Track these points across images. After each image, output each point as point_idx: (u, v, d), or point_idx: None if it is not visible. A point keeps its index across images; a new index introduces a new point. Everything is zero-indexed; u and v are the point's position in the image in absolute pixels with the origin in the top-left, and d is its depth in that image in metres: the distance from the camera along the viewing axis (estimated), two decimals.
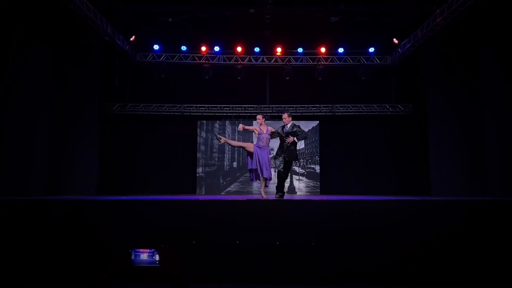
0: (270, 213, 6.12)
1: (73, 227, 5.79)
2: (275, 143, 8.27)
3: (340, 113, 13.01)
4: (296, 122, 7.96)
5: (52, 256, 5.58)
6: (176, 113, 12.97)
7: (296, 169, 13.06)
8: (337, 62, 12.64)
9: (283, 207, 6.42)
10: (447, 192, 10.57)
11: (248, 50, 12.48)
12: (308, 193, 13.02)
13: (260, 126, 7.76)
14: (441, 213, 6.09)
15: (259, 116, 7.84)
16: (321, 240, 5.78)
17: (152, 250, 4.90)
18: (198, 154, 13.19)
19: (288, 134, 7.60)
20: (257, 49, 12.47)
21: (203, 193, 13.06)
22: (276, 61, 12.64)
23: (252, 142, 9.05)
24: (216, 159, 13.33)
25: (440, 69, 11.39)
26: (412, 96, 12.64)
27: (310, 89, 13.00)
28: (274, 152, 7.98)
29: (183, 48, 12.45)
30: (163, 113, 12.91)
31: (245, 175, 12.69)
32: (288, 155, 7.59)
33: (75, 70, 11.39)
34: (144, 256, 4.90)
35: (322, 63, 12.57)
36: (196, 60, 12.59)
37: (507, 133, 9.84)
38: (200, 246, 5.71)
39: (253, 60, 12.62)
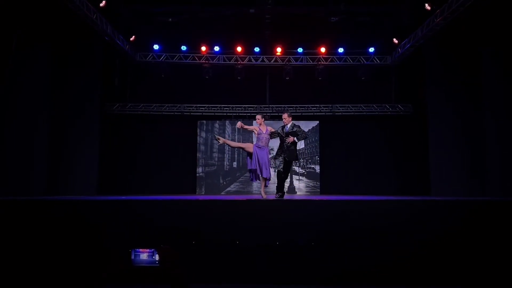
0: (270, 213, 6.12)
1: (73, 227, 5.79)
2: (275, 143, 8.27)
3: (340, 113, 13.01)
4: (296, 122, 7.96)
5: (52, 256, 5.58)
6: (176, 113, 12.98)
7: (296, 169, 13.06)
8: (337, 62, 12.64)
9: (283, 207, 6.42)
10: (447, 192, 10.57)
11: (248, 50, 12.49)
12: (308, 193, 13.02)
13: (260, 126, 7.76)
14: (441, 213, 6.09)
15: (258, 116, 7.84)
16: (321, 240, 5.78)
17: (152, 250, 4.90)
18: (198, 154, 13.19)
19: (288, 134, 7.60)
20: (257, 49, 12.48)
21: (203, 193, 13.06)
22: (276, 61, 12.64)
23: (251, 142, 9.05)
24: (216, 159, 13.33)
25: (440, 69, 11.39)
26: (412, 96, 12.64)
27: (310, 89, 13.00)
28: (274, 152, 7.98)
29: (183, 48, 12.45)
30: (163, 113, 12.92)
31: (245, 175, 12.69)
32: (288, 155, 7.59)
33: (75, 70, 11.39)
34: (144, 256, 4.90)
35: (322, 63, 12.58)
36: (196, 60, 12.59)
37: (507, 133, 9.83)
38: (200, 246, 5.71)
39: (253, 60, 12.62)
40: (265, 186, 7.79)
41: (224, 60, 12.63)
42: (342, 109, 12.97)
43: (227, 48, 12.55)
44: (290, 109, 12.49)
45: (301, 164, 13.19)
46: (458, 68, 11.12)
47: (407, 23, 11.02)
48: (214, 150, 13.29)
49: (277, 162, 7.68)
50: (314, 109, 13.01)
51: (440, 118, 11.28)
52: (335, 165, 13.01)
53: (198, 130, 13.27)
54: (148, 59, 12.60)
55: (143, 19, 11.50)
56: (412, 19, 10.76)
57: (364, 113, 12.94)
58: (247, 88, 12.93)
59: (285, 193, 7.91)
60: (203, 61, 12.56)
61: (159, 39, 12.34)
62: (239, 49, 12.33)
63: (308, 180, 13.17)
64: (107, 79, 12.36)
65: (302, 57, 12.62)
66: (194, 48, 12.53)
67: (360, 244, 5.75)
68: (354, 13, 11.09)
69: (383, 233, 5.83)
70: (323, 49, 12.42)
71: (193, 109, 13.01)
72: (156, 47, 12.40)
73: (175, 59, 12.57)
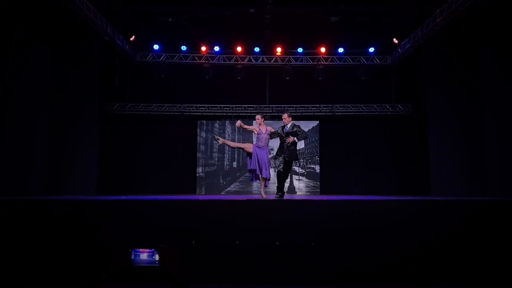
0: (270, 213, 6.12)
1: (73, 227, 5.79)
2: (275, 143, 8.27)
3: (340, 113, 13.01)
4: (296, 122, 7.96)
5: (52, 256, 5.58)
6: (176, 113, 12.97)
7: (296, 169, 13.06)
8: (337, 62, 12.64)
9: (283, 207, 6.42)
10: (447, 192, 10.57)
11: (248, 50, 12.48)
12: (308, 193, 13.02)
13: (259, 126, 7.76)
14: (441, 213, 6.09)
15: (258, 116, 7.84)
16: (321, 240, 5.78)
17: (152, 250, 4.90)
18: (198, 154, 13.19)
19: (288, 134, 7.60)
20: (257, 49, 12.47)
21: (203, 193, 13.06)
22: (276, 61, 12.64)
23: (251, 142, 9.05)
24: (216, 159, 13.33)
25: (440, 69, 11.39)
26: (412, 96, 12.64)
27: (310, 89, 13.00)
28: (274, 152, 7.98)
29: (183, 48, 12.45)
30: (163, 113, 12.91)
31: (245, 175, 12.69)
32: (288, 155, 7.59)
33: (75, 70, 11.39)
34: (144, 256, 4.90)
35: (322, 63, 12.58)
36: (196, 60, 12.59)
37: (507, 133, 9.84)
38: (200, 246, 5.71)
39: (253, 60, 12.62)
40: (265, 186, 7.79)
41: (224, 60, 12.63)
42: (342, 109, 12.97)
43: (227, 48, 12.55)
44: (290, 109, 12.49)
45: (301, 164, 13.19)
46: (458, 68, 11.12)
47: (407, 23, 11.03)
48: (214, 150, 13.29)
49: (277, 162, 7.68)
50: (314, 109, 13.01)
51: (440, 118, 11.28)
52: (335, 165, 13.01)
53: (198, 130, 13.27)
54: (148, 59, 12.60)
55: (143, 19, 11.50)
56: (412, 19, 10.76)
57: (364, 113, 12.94)
58: (247, 88, 12.93)
59: (285, 193, 7.91)
60: (203, 61, 12.56)
61: (159, 39, 12.34)
62: (239, 49, 12.32)
63: (308, 180, 13.17)
64: (107, 79, 12.35)
65: (302, 57, 12.62)
66: (194, 48, 12.53)
67: (360, 244, 5.75)
68: (354, 13, 11.08)
69: (383, 233, 5.83)
70: (323, 49, 12.42)
71: (193, 109, 13.01)
72: (156, 47, 12.40)
73: (175, 59, 12.57)
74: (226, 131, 13.38)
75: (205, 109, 13.04)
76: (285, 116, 7.75)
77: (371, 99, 12.90)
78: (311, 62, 12.66)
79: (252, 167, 7.62)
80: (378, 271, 5.61)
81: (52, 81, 10.64)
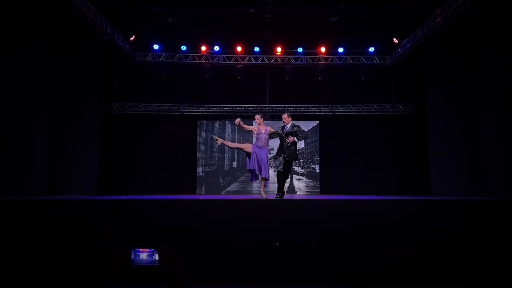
0: (270, 213, 6.12)
1: (73, 227, 5.79)
2: (275, 143, 8.27)
3: (340, 113, 13.01)
4: (296, 122, 7.97)
5: (52, 256, 5.58)
6: (176, 113, 12.97)
7: (296, 169, 13.05)
8: (337, 62, 12.64)
9: (283, 207, 6.42)
10: (447, 192, 10.57)
11: (248, 50, 12.48)
12: (308, 193, 13.02)
13: (259, 126, 7.77)
14: (441, 213, 6.09)
15: (257, 116, 7.85)
16: (321, 240, 5.78)
17: (152, 249, 4.89)
18: (198, 154, 13.19)
19: (288, 134, 7.60)
20: (257, 49, 12.47)
21: (203, 193, 13.06)
22: (276, 61, 12.64)
23: (251, 142, 9.05)
24: (216, 158, 13.33)
25: (440, 69, 11.39)
26: (412, 96, 12.64)
27: (310, 89, 13.00)
28: (274, 152, 7.98)
29: (183, 48, 12.45)
30: (163, 112, 12.91)
31: (245, 174, 12.69)
32: (288, 155, 7.59)
33: (75, 70, 11.39)
34: (143, 255, 4.90)
35: (322, 63, 12.57)
36: (196, 60, 12.59)
37: (507, 133, 9.84)
38: (200, 246, 5.71)
39: (253, 60, 12.61)
40: (265, 186, 7.80)
41: (224, 60, 12.63)
42: (342, 109, 12.97)
43: (227, 48, 12.55)
44: (290, 109, 12.50)
45: (301, 164, 13.19)
46: (458, 68, 11.13)
47: (407, 23, 11.03)
48: (214, 150, 13.29)
49: (277, 162, 7.68)
50: (314, 109, 13.01)
51: (440, 118, 11.28)
52: (335, 165, 13.01)
53: (198, 130, 13.27)
54: (148, 59, 12.59)
55: (143, 19, 11.50)
56: (412, 19, 10.76)
57: (364, 113, 12.94)
58: (247, 88, 12.92)
59: (285, 193, 7.92)
60: (203, 61, 12.56)
61: (159, 39, 12.34)
62: (239, 49, 12.32)
63: (308, 180, 13.17)
64: (107, 79, 12.35)
65: (302, 57, 12.61)
66: (194, 48, 12.53)
67: (360, 244, 5.75)
68: (354, 13, 11.08)
69: (383, 233, 5.83)
70: (323, 49, 12.41)
71: (193, 109, 13.01)
72: (156, 47, 12.40)
73: (175, 59, 12.57)
74: (226, 131, 13.38)
75: (205, 109, 13.04)
76: (285, 116, 7.75)
77: (371, 99, 12.90)
78: (311, 62, 12.66)
79: (251, 167, 7.63)
80: (378, 271, 5.61)
81: (52, 81, 10.64)
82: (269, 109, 12.89)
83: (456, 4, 8.72)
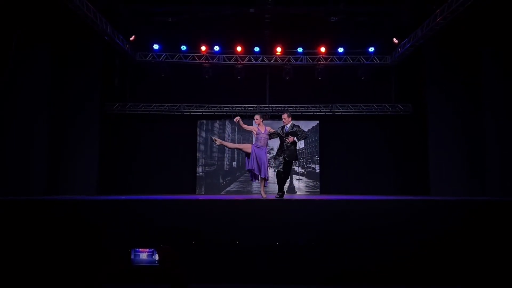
0: (270, 213, 6.12)
1: (73, 227, 5.79)
2: (275, 143, 8.26)
3: (340, 113, 13.01)
4: (296, 122, 7.97)
5: (52, 256, 5.58)
6: (176, 113, 12.97)
7: (296, 168, 13.05)
8: (337, 61, 12.63)
9: (283, 207, 6.43)
10: (447, 192, 10.57)
11: (248, 50, 12.48)
12: (308, 193, 13.02)
13: (258, 126, 7.76)
14: (441, 213, 6.09)
15: (256, 116, 7.85)
16: (321, 240, 5.78)
17: (152, 249, 4.89)
18: (198, 154, 13.19)
19: (288, 134, 7.60)
20: (257, 49, 12.46)
21: (203, 192, 13.06)
22: (276, 60, 12.63)
23: (251, 141, 9.05)
24: (216, 158, 13.33)
25: (440, 69, 11.39)
26: (412, 96, 12.64)
27: (310, 89, 13.00)
28: (274, 152, 7.98)
29: (183, 47, 12.44)
30: (163, 112, 12.91)
31: (245, 174, 12.68)
32: (288, 155, 7.59)
33: (75, 70, 11.39)
34: (143, 255, 4.90)
35: (322, 62, 12.57)
36: (196, 60, 12.58)
37: (507, 133, 9.84)
38: (200, 246, 5.71)
39: (253, 59, 12.61)
40: (265, 186, 7.80)
41: (224, 60, 12.62)
42: (342, 109, 12.97)
43: (227, 48, 12.54)
44: (290, 109, 12.50)
45: (301, 164, 13.19)
46: (458, 68, 11.13)
47: (407, 23, 11.03)
48: (214, 149, 13.29)
49: (277, 162, 7.69)
50: (314, 109, 13.01)
51: (440, 118, 11.28)
52: (335, 165, 13.01)
53: (198, 130, 13.27)
54: (148, 59, 12.59)
55: (143, 19, 11.50)
56: (412, 19, 10.76)
57: (364, 113, 12.94)
58: (247, 88, 12.92)
59: (285, 193, 7.91)
60: (203, 61, 12.56)
61: (159, 39, 12.33)
62: (239, 48, 12.32)
63: (308, 180, 13.17)
64: (107, 79, 12.35)
65: (302, 57, 12.61)
66: (194, 47, 12.52)
67: (360, 244, 5.75)
68: (354, 13, 11.09)
69: (383, 233, 5.84)
70: (323, 49, 12.41)
71: (193, 109, 13.01)
72: (156, 47, 12.39)
73: (175, 59, 12.56)
74: (226, 131, 13.38)
75: (205, 109, 13.04)
76: (284, 116, 7.75)
77: (371, 99, 12.90)
78: (311, 62, 12.65)
79: (250, 167, 7.63)
80: (378, 271, 5.61)
81: (52, 81, 10.64)
82: (269, 109, 12.89)
83: (456, 4, 8.71)
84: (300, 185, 13.13)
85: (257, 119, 7.81)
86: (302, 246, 5.75)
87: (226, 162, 13.37)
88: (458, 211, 6.10)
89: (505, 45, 9.77)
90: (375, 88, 13.04)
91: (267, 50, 12.58)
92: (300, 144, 12.56)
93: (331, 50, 12.54)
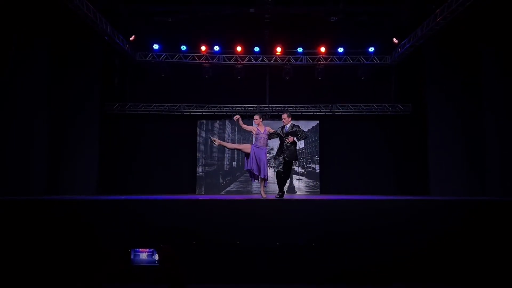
0: (270, 213, 6.11)
1: (73, 227, 5.79)
2: (275, 143, 8.26)
3: (340, 113, 13.02)
4: (296, 122, 7.96)
5: (52, 256, 5.58)
6: (176, 113, 12.97)
7: (296, 168, 13.05)
8: (337, 61, 12.63)
9: (283, 207, 6.42)
10: (447, 191, 10.58)
11: (248, 50, 12.48)
12: (308, 193, 13.02)
13: (258, 127, 7.75)
14: (441, 213, 6.09)
15: (256, 117, 7.84)
16: (321, 240, 5.78)
17: (151, 249, 4.89)
18: (198, 154, 13.19)
19: (287, 134, 7.60)
20: (257, 49, 12.47)
21: (203, 192, 13.05)
22: (276, 60, 12.63)
23: (251, 141, 9.05)
24: (216, 158, 13.33)
25: (440, 68, 11.39)
26: (412, 95, 12.64)
27: (310, 89, 13.01)
28: (274, 152, 7.97)
29: (183, 47, 12.44)
30: (163, 112, 12.92)
31: (245, 174, 12.68)
32: (288, 155, 7.59)
33: (75, 69, 11.39)
34: (143, 255, 4.90)
35: (322, 62, 12.57)
36: (196, 60, 12.58)
37: (507, 133, 9.83)
38: (200, 245, 5.71)
39: (253, 59, 12.61)
40: (264, 186, 7.79)
41: (224, 60, 12.62)
42: (342, 109, 12.97)
43: (227, 48, 12.54)
44: (290, 109, 12.51)
45: (301, 163, 13.19)
46: (458, 68, 11.13)
47: (407, 23, 11.03)
48: (214, 149, 13.29)
49: (276, 162, 7.68)
50: (314, 109, 13.01)
51: (440, 118, 11.28)
52: (335, 165, 13.01)
53: (198, 130, 13.27)
54: (148, 58, 12.59)
55: (143, 18, 11.50)
56: (412, 19, 10.76)
57: (364, 113, 12.94)
58: (247, 88, 12.92)
59: (285, 193, 7.91)
60: (203, 61, 12.56)
61: (159, 39, 12.34)
62: (239, 48, 12.32)
63: (308, 180, 13.17)
64: (107, 79, 12.35)
65: (302, 57, 12.61)
66: (194, 47, 12.52)
67: (360, 244, 5.75)
68: (354, 13, 11.09)
69: (383, 233, 5.83)
70: (323, 49, 12.41)
71: (193, 109, 13.01)
72: (156, 46, 12.39)
73: (175, 59, 12.56)
74: (226, 131, 13.38)
75: (205, 109, 13.04)
76: (284, 116, 7.75)
77: (371, 98, 12.90)
78: (311, 62, 12.65)
79: (249, 167, 7.62)
80: (378, 271, 5.61)
81: (52, 81, 10.64)
82: (269, 109, 12.89)
83: (456, 4, 8.71)
84: (300, 185, 13.13)
85: (256, 119, 7.80)
86: (302, 246, 5.75)
87: (226, 162, 13.37)
88: (458, 211, 6.09)
89: (505, 45, 9.76)
90: (375, 88, 13.05)
91: (267, 50, 12.58)
92: (300, 144, 12.56)
93: (331, 50, 12.54)
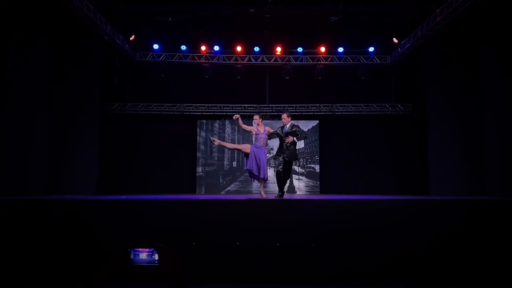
0: (270, 212, 6.12)
1: (73, 227, 5.79)
2: (275, 143, 8.26)
3: (340, 113, 13.01)
4: (296, 122, 7.96)
5: (52, 256, 5.58)
6: (175, 113, 12.97)
7: (296, 168, 13.05)
8: (336, 61, 12.62)
9: (283, 207, 6.43)
10: (447, 191, 10.57)
11: (248, 50, 12.47)
12: (307, 193, 13.02)
13: (257, 127, 7.75)
14: (441, 213, 6.09)
15: (256, 117, 7.84)
16: (321, 240, 5.78)
17: (151, 249, 4.89)
18: (197, 154, 13.18)
19: (287, 134, 7.59)
20: (256, 49, 12.46)
21: (203, 192, 13.05)
22: (276, 60, 12.63)
23: (251, 141, 9.05)
24: (216, 158, 13.33)
25: (440, 68, 11.39)
26: (412, 95, 12.64)
27: (310, 89, 13.00)
28: (274, 152, 7.97)
29: (183, 47, 12.43)
30: (163, 112, 12.91)
31: (245, 174, 12.67)
32: (287, 155, 7.59)
33: (75, 69, 11.38)
34: (143, 255, 4.90)
35: (321, 62, 12.57)
36: (196, 60, 12.58)
37: (507, 133, 9.83)
38: (200, 245, 5.71)
39: (252, 59, 12.60)
40: (264, 186, 7.79)
41: (224, 60, 12.61)
42: (342, 109, 12.97)
43: (227, 48, 12.54)
44: (290, 109, 12.50)
45: (301, 163, 13.19)
46: (458, 68, 11.12)
47: (407, 23, 11.03)
48: (214, 149, 13.28)
49: (276, 162, 7.68)
50: (314, 109, 13.01)
51: (440, 118, 11.28)
52: (335, 165, 13.00)
53: (198, 130, 13.26)
54: (148, 58, 12.58)
55: (143, 18, 11.50)
56: (412, 18, 10.76)
57: (364, 113, 12.94)
58: (247, 88, 12.92)
59: (285, 193, 7.91)
60: (203, 61, 12.55)
61: (159, 39, 12.33)
62: (238, 48, 12.31)
63: (308, 180, 13.17)
64: (107, 79, 12.34)
65: (302, 57, 12.60)
66: (193, 47, 12.51)
67: (360, 244, 5.75)
68: (354, 13, 11.09)
69: (383, 233, 5.84)
70: (323, 49, 12.41)
71: (192, 109, 13.01)
72: (155, 46, 12.39)
73: (175, 59, 12.55)
74: (226, 131, 13.38)
75: (204, 109, 13.04)
76: (284, 116, 7.75)
77: (371, 98, 12.90)
78: (311, 62, 12.65)
79: (248, 168, 7.62)
80: (378, 271, 5.61)
81: (52, 81, 10.64)
82: (269, 109, 12.89)
83: (455, 4, 8.71)
84: (300, 185, 13.13)
85: (256, 119, 7.80)
86: (302, 246, 5.75)
87: (226, 162, 13.37)
88: (458, 211, 6.10)
89: (505, 45, 9.76)
90: (375, 88, 13.05)
91: (267, 50, 12.58)
92: (300, 144, 12.56)
93: (331, 50, 12.53)
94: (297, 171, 13.15)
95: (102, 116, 12.00)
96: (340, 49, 12.48)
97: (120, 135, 12.84)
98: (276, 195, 7.75)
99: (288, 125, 7.68)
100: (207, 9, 11.00)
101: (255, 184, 10.78)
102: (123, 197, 8.20)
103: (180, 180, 12.98)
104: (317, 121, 13.17)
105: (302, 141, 10.25)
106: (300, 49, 12.44)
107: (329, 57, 12.58)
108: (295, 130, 7.59)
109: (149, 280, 5.00)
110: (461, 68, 11.05)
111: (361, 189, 12.14)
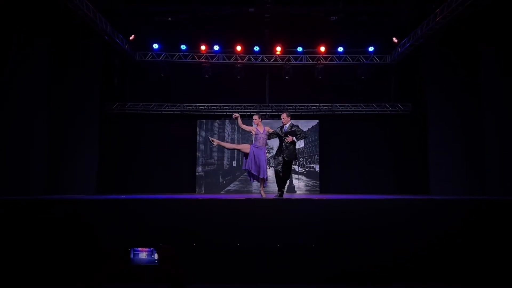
0: (270, 212, 6.11)
1: (73, 227, 5.79)
2: (275, 143, 8.26)
3: (340, 112, 13.01)
4: (296, 121, 7.96)
5: (52, 256, 5.58)
6: (175, 112, 12.97)
7: (296, 168, 13.05)
8: (336, 61, 12.61)
9: (283, 207, 6.42)
10: (446, 191, 10.57)
11: (248, 49, 12.47)
12: (307, 192, 13.02)
13: (257, 127, 7.75)
14: (441, 212, 6.09)
15: (255, 117, 7.84)
16: (321, 240, 5.78)
17: (151, 249, 4.90)
18: (197, 153, 13.18)
19: (287, 134, 7.59)
20: (256, 48, 12.46)
21: (203, 192, 13.05)
22: (275, 60, 12.62)
23: (251, 141, 9.05)
24: (216, 158, 13.33)
25: (440, 68, 11.38)
26: (412, 95, 12.63)
27: (309, 88, 13.00)
28: (274, 152, 7.97)
29: (183, 47, 12.43)
30: (163, 112, 12.91)
31: (245, 174, 12.64)
32: (287, 154, 7.58)
33: (75, 69, 11.38)
34: (143, 255, 4.90)
35: (321, 62, 12.56)
36: (196, 59, 12.57)
37: (507, 133, 9.83)
38: (200, 245, 5.71)
39: (252, 59, 12.60)
40: (264, 186, 7.79)
41: (224, 59, 12.61)
42: (342, 108, 12.96)
43: (227, 47, 12.53)
44: (290, 108, 12.50)
45: (301, 163, 13.20)
46: (458, 67, 11.12)
47: (407, 22, 11.03)
48: (214, 149, 13.28)
49: (276, 162, 7.68)
50: (313, 108, 13.00)
51: (440, 117, 11.27)
52: (334, 164, 13.00)
53: (197, 129, 13.26)
54: (148, 58, 12.57)
55: (143, 18, 11.50)
56: (411, 18, 10.76)
57: (364, 112, 12.93)
58: (246, 87, 12.92)
59: (284, 192, 7.90)
60: (203, 60, 12.55)
61: (159, 38, 12.33)
62: (238, 48, 12.31)
63: (308, 179, 13.17)
64: (107, 79, 12.34)
65: (302, 56, 12.59)
66: (193, 47, 12.51)
67: (360, 244, 5.75)
68: (353, 12, 11.09)
69: (383, 233, 5.83)
70: (322, 48, 12.40)
71: (192, 108, 13.01)
72: (155, 46, 12.38)
73: (175, 58, 12.55)
74: (225, 131, 13.38)
75: (204, 108, 13.04)
76: (284, 116, 7.75)
77: (371, 98, 12.90)
78: (311, 61, 12.64)
79: (247, 168, 7.62)
80: (378, 271, 5.61)
81: (52, 81, 10.63)
82: (269, 109, 12.88)
83: (455, 3, 8.71)
84: (300, 185, 13.13)
85: (255, 119, 7.80)
86: (302, 246, 5.75)
87: (226, 162, 13.37)
88: (458, 211, 6.09)
89: (505, 45, 9.76)
90: (375, 88, 13.05)
91: (267, 49, 12.57)
92: (300, 144, 12.56)
93: (331, 50, 12.52)
94: (297, 170, 13.15)
95: (102, 116, 11.99)
96: (340, 49, 12.47)
97: (120, 135, 12.84)
98: (276, 194, 7.75)
99: (287, 125, 7.67)
100: (207, 9, 11.00)
101: (255, 183, 10.80)
102: (123, 197, 8.20)
103: (180, 179, 12.98)
104: (317, 121, 13.17)
105: (302, 140, 10.25)
106: (300, 49, 12.44)
107: (329, 56, 12.57)
108: (295, 129, 7.59)
109: (149, 280, 5.00)
110: (461, 68, 11.05)
111: (361, 188, 12.14)
